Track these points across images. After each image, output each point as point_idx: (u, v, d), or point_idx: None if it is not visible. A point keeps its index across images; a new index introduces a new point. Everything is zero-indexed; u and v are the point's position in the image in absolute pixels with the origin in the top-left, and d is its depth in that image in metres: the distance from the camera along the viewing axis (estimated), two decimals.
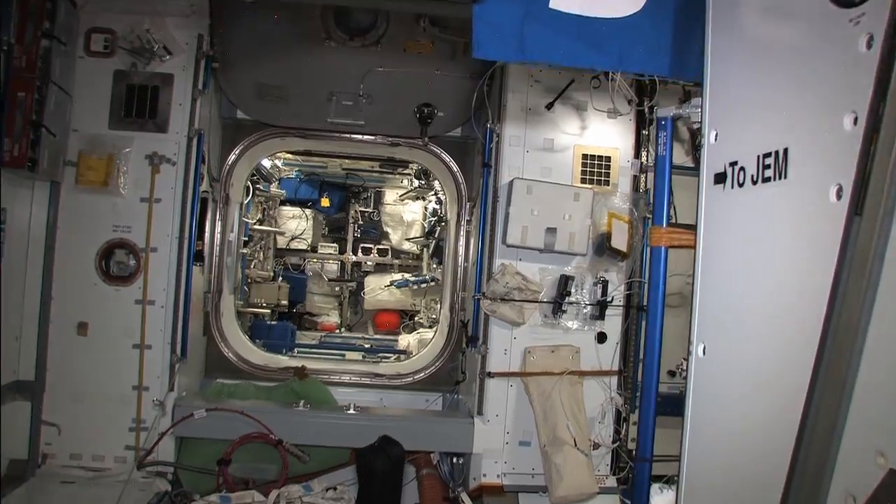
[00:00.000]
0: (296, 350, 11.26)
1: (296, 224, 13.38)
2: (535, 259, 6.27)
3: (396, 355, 9.29)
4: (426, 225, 13.05)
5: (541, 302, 6.22)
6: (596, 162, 6.43)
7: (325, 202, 13.37)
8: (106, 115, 6.19)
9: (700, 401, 2.97)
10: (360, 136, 7.26)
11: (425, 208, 13.34)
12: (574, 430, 6.00)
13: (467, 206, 7.26)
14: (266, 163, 11.47)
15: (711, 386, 2.90)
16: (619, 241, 6.23)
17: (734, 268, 2.82)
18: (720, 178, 2.89)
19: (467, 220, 7.24)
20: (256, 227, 11.90)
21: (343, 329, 13.60)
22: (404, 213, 13.61)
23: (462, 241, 7.29)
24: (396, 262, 13.70)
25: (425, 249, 13.24)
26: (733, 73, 2.96)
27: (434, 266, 10.46)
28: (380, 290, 13.01)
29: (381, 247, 13.75)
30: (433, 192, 11.34)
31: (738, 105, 2.91)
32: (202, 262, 6.44)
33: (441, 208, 11.39)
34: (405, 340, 9.96)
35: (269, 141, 7.31)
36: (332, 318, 13.56)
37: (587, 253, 6.25)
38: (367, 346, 11.37)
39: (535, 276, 6.25)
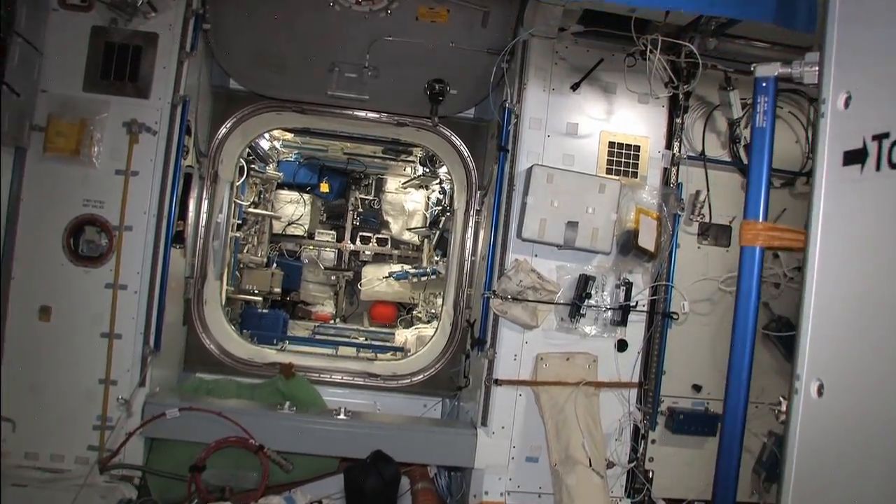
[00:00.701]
0: (287, 342, 10.59)
1: (293, 209, 12.64)
2: (553, 256, 5.53)
3: (393, 352, 8.54)
4: (428, 215, 12.31)
5: (557, 304, 5.49)
6: (623, 151, 5.68)
7: (324, 187, 12.63)
8: (80, 75, 5.41)
9: (810, 456, 2.21)
10: (363, 114, 6.51)
11: (427, 198, 12.61)
12: (589, 449, 5.28)
13: (477, 195, 6.51)
14: (264, 143, 10.73)
15: (829, 437, 2.14)
16: (647, 240, 5.49)
17: (871, 281, 2.06)
18: (854, 158, 2.13)
19: (477, 210, 6.50)
20: (251, 210, 11.14)
21: (338, 319, 12.88)
22: (406, 202, 12.87)
23: (470, 233, 6.54)
24: (396, 252, 12.99)
25: (426, 241, 12.51)
26: (878, 13, 2.19)
27: (436, 259, 9.71)
28: (377, 280, 12.28)
29: (380, 236, 13.03)
30: (438, 181, 10.58)
31: (884, 58, 2.14)
32: (183, 245, 5.66)
33: (445, 198, 10.64)
34: (402, 336, 9.21)
35: (263, 115, 6.55)
36: (327, 308, 12.84)
37: (611, 251, 5.51)
38: (361, 339, 10.65)
39: (552, 274, 5.51)
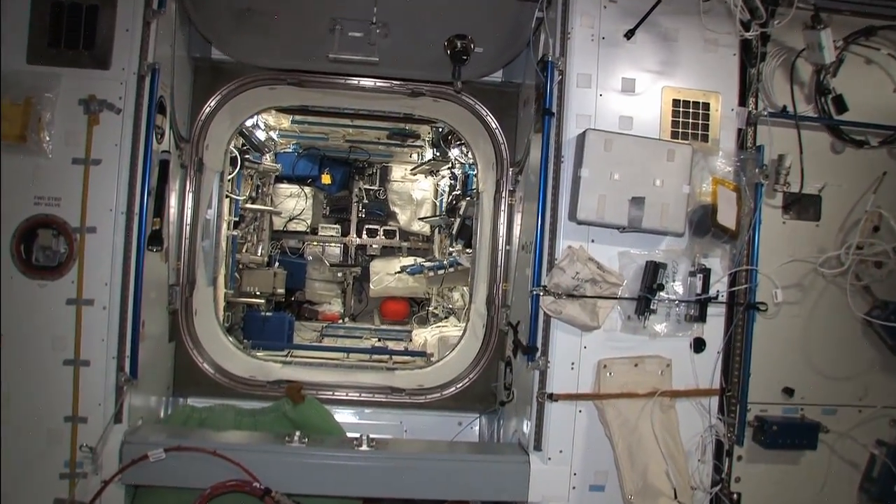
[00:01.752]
0: (293, 350, 9.47)
1: (294, 203, 11.52)
2: (613, 241, 4.39)
3: (412, 358, 7.41)
4: (439, 203, 11.17)
5: (622, 299, 4.36)
6: (690, 110, 4.53)
7: (325, 179, 11.51)
8: (23, 44, 4.26)
9: None
10: (371, 83, 5.35)
11: (436, 185, 11.47)
12: (674, 476, 4.16)
13: (510, 173, 5.36)
14: (260, 134, 9.57)
15: None
16: (728, 217, 4.36)
17: None
18: None
19: (510, 191, 5.35)
20: (248, 206, 9.99)
21: (346, 319, 11.77)
22: (414, 190, 11.75)
23: (503, 218, 5.40)
24: (405, 244, 11.88)
25: (437, 231, 11.37)
26: None
27: (455, 249, 8.49)
28: (388, 276, 11.17)
29: (387, 228, 11.90)
30: (448, 166, 9.42)
31: None
32: (161, 246, 4.51)
33: (457, 183, 9.48)
34: (420, 337, 8.07)
35: (253, 90, 5.39)
36: (335, 307, 11.73)
37: (684, 232, 4.37)
38: (374, 340, 9.54)
39: (613, 263, 4.38)
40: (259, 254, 10.15)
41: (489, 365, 5.39)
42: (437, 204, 11.30)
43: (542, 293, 4.29)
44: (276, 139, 10.72)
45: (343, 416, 5.14)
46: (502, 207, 5.37)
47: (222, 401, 5.08)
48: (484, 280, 5.70)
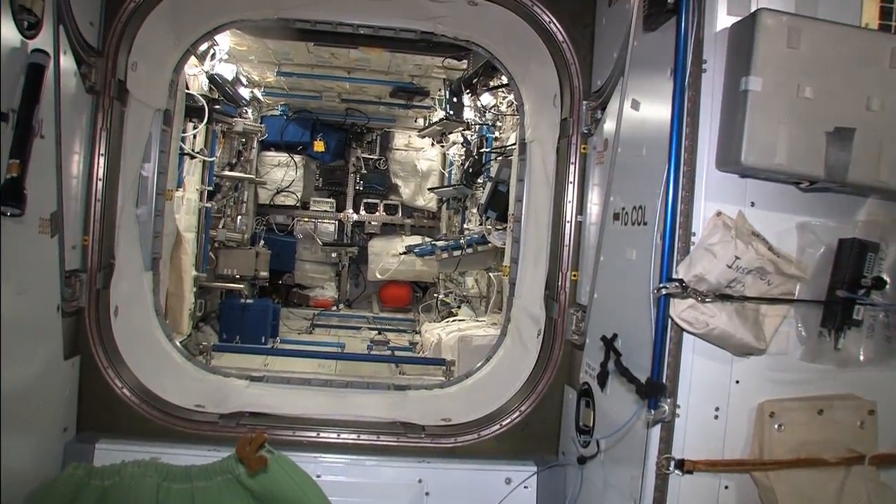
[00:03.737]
0: (277, 341, 7.53)
1: (282, 174, 9.58)
2: (782, 204, 2.47)
3: (425, 364, 5.45)
4: (448, 174, 9.21)
5: (801, 302, 2.44)
6: None
7: (318, 146, 9.57)
8: None
9: None
10: None
11: (444, 155, 9.50)
12: None
13: (582, 108, 3.39)
14: (243, 92, 7.54)
15: None
16: None
17: None
18: None
19: (584, 133, 3.39)
20: (226, 172, 8.00)
21: (341, 305, 9.86)
22: (419, 160, 9.80)
23: (573, 175, 3.44)
24: (408, 221, 9.96)
25: (445, 205, 9.41)
26: None
27: (487, 223, 6.44)
28: (389, 257, 9.24)
29: (388, 202, 9.94)
30: (464, 127, 7.42)
31: None
32: (20, 206, 2.50)
33: (473, 148, 7.48)
34: (432, 334, 6.12)
35: None
36: (328, 292, 9.86)
37: None
38: (374, 334, 7.62)
39: (784, 242, 2.46)
40: (239, 230, 8.17)
41: (550, 391, 3.46)
42: (447, 175, 9.34)
43: (676, 293, 2.35)
44: (262, 98, 8.72)
45: (332, 469, 3.22)
46: (572, 159, 3.41)
47: (148, 447, 3.12)
48: (536, 265, 3.76)
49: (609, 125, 3.18)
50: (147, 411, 3.31)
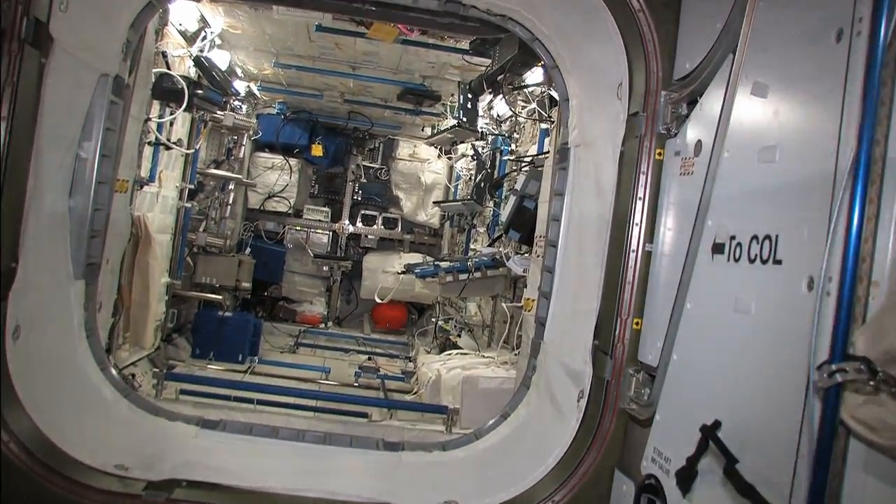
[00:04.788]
0: (255, 361, 6.53)
1: (275, 177, 8.64)
2: None
3: (422, 411, 4.44)
4: (454, 189, 8.28)
5: None
6: None
7: (316, 150, 8.67)
8: None
9: None
10: None
11: (451, 168, 8.58)
12: None
13: (662, 99, 2.47)
14: (239, 86, 6.63)
15: None
16: None
17: None
18: None
19: (663, 132, 2.46)
20: (211, 170, 7.05)
21: (330, 323, 8.88)
22: (423, 172, 8.88)
23: (642, 192, 2.49)
24: (408, 237, 9.02)
25: (449, 222, 8.46)
26: None
27: (504, 245, 5.41)
28: (385, 274, 8.28)
29: (388, 215, 9.00)
30: (478, 136, 6.49)
31: None
32: None
33: (485, 160, 6.55)
34: (430, 368, 5.14)
35: None
36: (317, 308, 8.89)
37: None
38: (363, 359, 6.63)
39: None
40: (221, 234, 7.20)
41: (596, 477, 2.49)
42: (453, 190, 8.41)
43: (856, 379, 1.41)
44: (258, 93, 7.80)
45: None
46: (643, 167, 2.47)
47: None
48: (577, 304, 2.81)
49: (705, 122, 2.25)
50: (42, 476, 2.33)
